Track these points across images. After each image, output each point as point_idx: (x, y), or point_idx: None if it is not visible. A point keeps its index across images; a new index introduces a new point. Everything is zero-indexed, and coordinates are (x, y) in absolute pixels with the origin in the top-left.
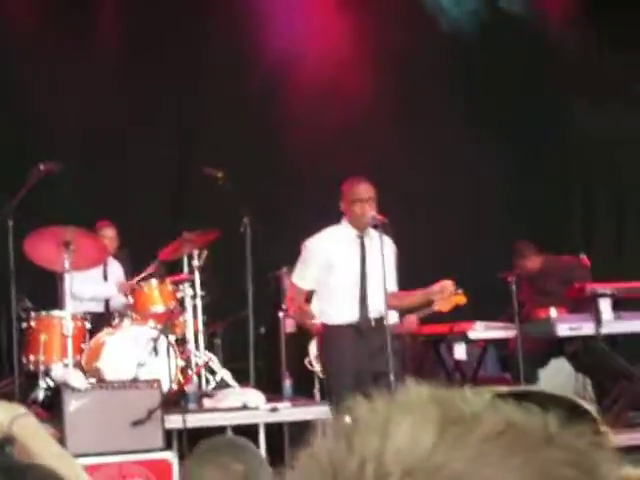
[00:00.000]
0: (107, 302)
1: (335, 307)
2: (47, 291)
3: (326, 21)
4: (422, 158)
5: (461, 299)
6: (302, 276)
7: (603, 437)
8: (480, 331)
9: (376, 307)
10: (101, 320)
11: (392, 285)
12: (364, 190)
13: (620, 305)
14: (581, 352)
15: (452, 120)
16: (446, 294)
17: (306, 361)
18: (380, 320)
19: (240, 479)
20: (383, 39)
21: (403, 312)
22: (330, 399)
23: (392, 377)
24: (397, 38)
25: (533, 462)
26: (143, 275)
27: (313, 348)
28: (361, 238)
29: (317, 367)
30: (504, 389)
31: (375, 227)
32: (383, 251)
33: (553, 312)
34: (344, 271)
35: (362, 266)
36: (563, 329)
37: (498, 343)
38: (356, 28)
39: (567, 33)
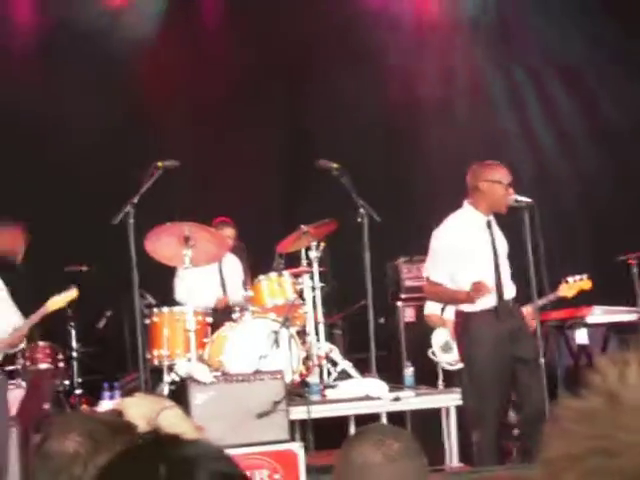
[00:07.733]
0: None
1: None
2: (169, 287)
3: None
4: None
5: (586, 284)
6: (436, 270)
7: None
8: (599, 315)
9: (509, 291)
10: (222, 314)
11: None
12: (508, 174)
13: None
14: None
15: None
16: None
17: (429, 352)
18: (513, 304)
19: (397, 454)
20: None
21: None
22: (469, 386)
23: (542, 360)
24: None
25: None
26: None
27: (436, 339)
28: (489, 222)
29: (441, 358)
30: None
31: (516, 210)
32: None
33: None
34: (478, 257)
35: (494, 250)
36: None
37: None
38: None
39: None
